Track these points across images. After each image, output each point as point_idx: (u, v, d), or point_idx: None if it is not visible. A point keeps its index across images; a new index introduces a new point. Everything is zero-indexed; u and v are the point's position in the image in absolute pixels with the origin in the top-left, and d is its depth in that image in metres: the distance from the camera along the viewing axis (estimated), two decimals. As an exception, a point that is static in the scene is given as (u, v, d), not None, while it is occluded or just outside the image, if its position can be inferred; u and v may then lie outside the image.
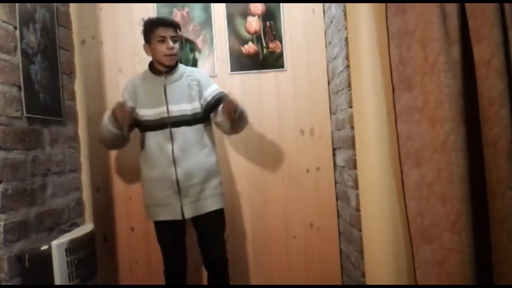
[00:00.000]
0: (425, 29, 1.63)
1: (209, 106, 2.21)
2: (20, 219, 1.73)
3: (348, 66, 2.05)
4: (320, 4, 2.65)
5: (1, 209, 1.61)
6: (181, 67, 2.27)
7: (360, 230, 2.00)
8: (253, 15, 2.64)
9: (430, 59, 1.63)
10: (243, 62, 2.65)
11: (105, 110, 2.30)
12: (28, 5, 1.88)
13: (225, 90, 2.24)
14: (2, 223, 1.61)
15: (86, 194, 2.38)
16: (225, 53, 2.65)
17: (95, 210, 2.49)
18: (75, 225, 2.18)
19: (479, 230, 1.63)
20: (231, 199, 2.62)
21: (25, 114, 1.81)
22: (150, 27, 2.16)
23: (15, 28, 1.78)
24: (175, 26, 2.19)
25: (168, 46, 2.14)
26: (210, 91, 2.22)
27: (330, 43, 2.52)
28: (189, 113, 2.17)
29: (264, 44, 2.65)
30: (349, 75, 2.04)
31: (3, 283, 1.62)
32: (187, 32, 2.61)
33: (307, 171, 2.66)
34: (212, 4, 2.64)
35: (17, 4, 1.79)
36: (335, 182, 2.64)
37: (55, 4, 2.14)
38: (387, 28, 1.68)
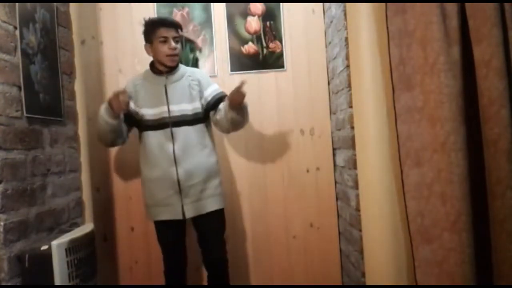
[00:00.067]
0: (425, 29, 1.63)
1: (209, 105, 2.21)
2: (20, 219, 1.73)
3: (348, 66, 2.05)
4: (320, 4, 2.65)
5: (1, 209, 1.61)
6: (182, 67, 2.27)
7: (360, 230, 2.00)
8: (253, 15, 2.64)
9: (430, 59, 1.63)
10: (243, 62, 2.65)
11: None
12: (28, 5, 1.88)
13: (225, 90, 2.24)
14: (2, 223, 1.61)
15: (86, 194, 2.38)
16: (225, 53, 2.65)
17: (95, 210, 2.49)
18: (75, 225, 2.18)
19: (479, 230, 1.63)
20: (231, 199, 2.62)
21: (25, 114, 1.81)
22: (152, 27, 2.16)
23: (15, 28, 1.78)
24: (176, 26, 2.19)
25: (170, 46, 2.14)
26: (210, 91, 2.22)
27: (330, 43, 2.52)
28: (190, 113, 2.17)
29: (264, 44, 2.65)
30: (349, 75, 2.04)
31: (3, 283, 1.62)
32: (187, 32, 2.61)
33: (307, 171, 2.66)
34: (212, 4, 2.64)
35: (17, 4, 1.79)
36: (335, 182, 2.64)
37: (55, 4, 2.14)
38: (387, 28, 1.68)
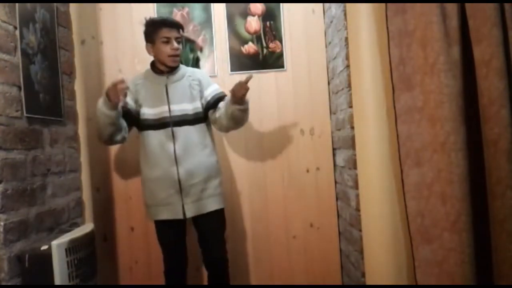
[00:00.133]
0: (425, 29, 1.63)
1: (209, 105, 2.21)
2: (20, 219, 1.73)
3: (348, 66, 2.05)
4: (320, 4, 2.65)
5: (1, 209, 1.61)
6: (183, 67, 2.27)
7: (360, 230, 2.00)
8: (253, 15, 2.64)
9: (430, 59, 1.63)
10: (243, 62, 2.65)
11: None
12: (28, 5, 1.88)
13: (225, 90, 2.24)
14: (2, 223, 1.61)
15: (86, 194, 2.39)
16: (225, 53, 2.65)
17: (95, 210, 2.49)
18: (75, 225, 2.18)
19: (479, 230, 1.63)
20: (231, 199, 2.62)
21: (25, 114, 1.81)
22: (154, 28, 2.16)
23: (15, 28, 1.78)
24: (179, 27, 2.20)
25: (172, 47, 2.14)
26: (211, 91, 2.23)
27: (330, 43, 2.52)
28: (190, 112, 2.17)
29: (264, 44, 2.65)
30: (349, 75, 2.04)
31: (3, 283, 1.62)
32: (187, 32, 2.61)
33: (307, 171, 2.66)
34: (212, 4, 2.64)
35: (17, 4, 1.79)
36: (335, 182, 2.64)
37: (55, 4, 2.14)
38: (387, 28, 1.68)
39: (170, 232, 2.22)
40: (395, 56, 1.67)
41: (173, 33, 2.15)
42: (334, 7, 2.31)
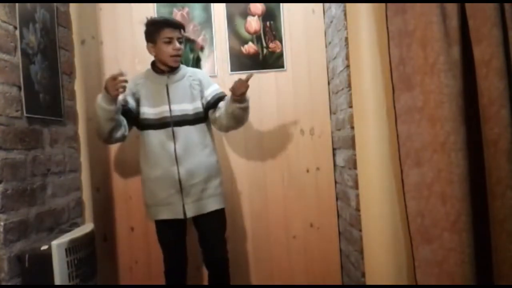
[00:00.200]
0: (425, 29, 1.63)
1: (209, 105, 2.21)
2: (20, 219, 1.73)
3: (348, 66, 2.05)
4: (320, 4, 2.65)
5: (1, 209, 1.61)
6: (183, 67, 2.28)
7: (360, 230, 2.00)
8: (253, 15, 2.64)
9: (430, 59, 1.63)
10: (243, 62, 2.65)
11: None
12: (28, 5, 1.88)
13: (225, 90, 2.24)
14: (2, 223, 1.61)
15: (86, 194, 2.38)
16: (225, 53, 2.65)
17: (95, 210, 2.49)
18: (75, 225, 2.18)
19: (479, 230, 1.63)
20: (231, 199, 2.62)
21: (25, 114, 1.81)
22: (156, 28, 2.16)
23: (15, 28, 1.78)
24: (180, 27, 2.20)
25: (174, 47, 2.14)
26: (211, 91, 2.23)
27: (330, 43, 2.52)
28: (191, 112, 2.18)
29: (264, 44, 2.65)
30: (349, 75, 2.04)
31: (3, 283, 1.62)
32: (187, 32, 2.61)
33: (307, 171, 2.66)
34: (212, 4, 2.64)
35: (17, 4, 1.78)
36: (335, 182, 2.64)
37: (55, 4, 2.14)
38: (387, 28, 1.68)
39: (170, 232, 2.22)
40: (395, 56, 1.67)
41: (175, 33, 2.15)
42: (334, 7, 2.31)
